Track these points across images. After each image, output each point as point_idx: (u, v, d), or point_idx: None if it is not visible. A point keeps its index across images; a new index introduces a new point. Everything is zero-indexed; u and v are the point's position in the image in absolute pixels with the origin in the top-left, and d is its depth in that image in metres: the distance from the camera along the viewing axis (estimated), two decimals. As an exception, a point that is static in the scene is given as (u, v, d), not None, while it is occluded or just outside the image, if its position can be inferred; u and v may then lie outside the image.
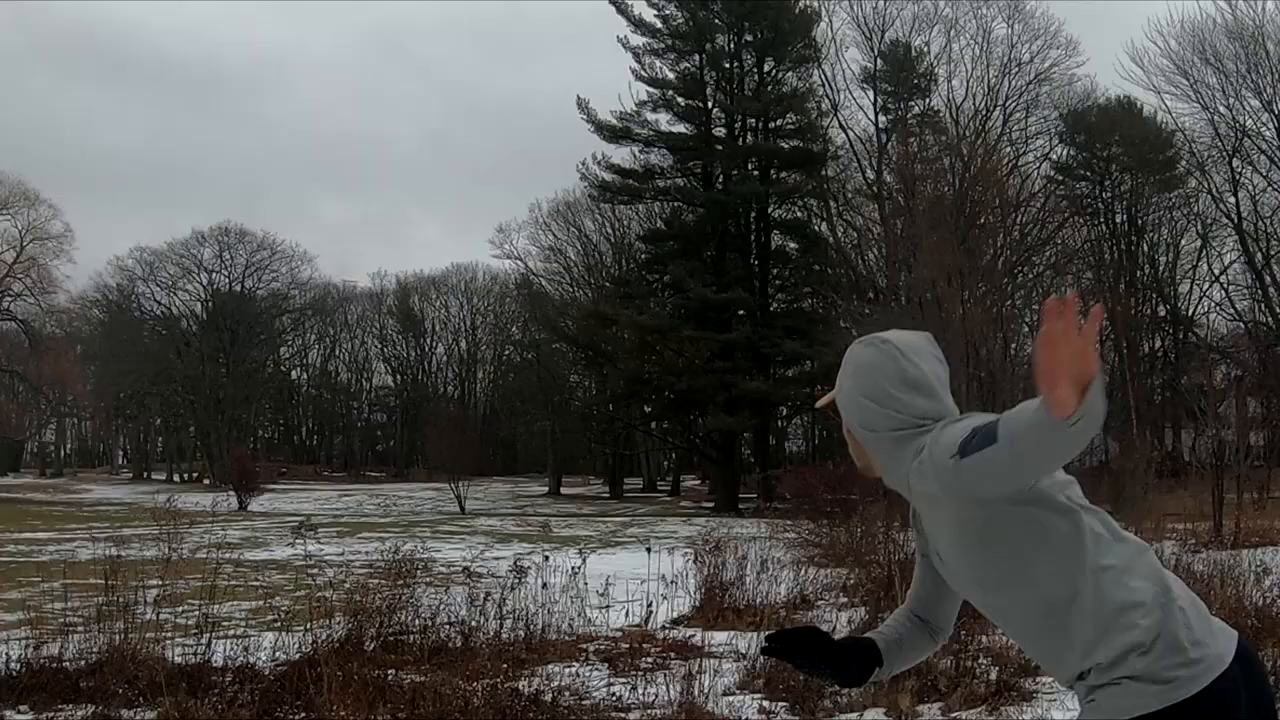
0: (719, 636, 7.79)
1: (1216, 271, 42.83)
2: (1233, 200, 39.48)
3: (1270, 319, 39.68)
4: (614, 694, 6.01)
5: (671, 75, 41.82)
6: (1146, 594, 1.81)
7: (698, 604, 9.02)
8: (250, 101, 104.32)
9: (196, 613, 6.54)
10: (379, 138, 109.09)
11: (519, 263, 55.96)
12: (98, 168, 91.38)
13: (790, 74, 41.83)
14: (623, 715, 5.64)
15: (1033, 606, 1.89)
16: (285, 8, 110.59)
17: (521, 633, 7.23)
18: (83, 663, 5.90)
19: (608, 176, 41.91)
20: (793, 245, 43.62)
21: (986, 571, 1.92)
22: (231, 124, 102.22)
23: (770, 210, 42.45)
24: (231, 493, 32.98)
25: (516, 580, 7.46)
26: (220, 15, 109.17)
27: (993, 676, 6.10)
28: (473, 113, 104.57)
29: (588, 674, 6.43)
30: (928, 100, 42.70)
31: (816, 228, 43.07)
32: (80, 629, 6.29)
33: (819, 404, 2.22)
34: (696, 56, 41.46)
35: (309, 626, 6.32)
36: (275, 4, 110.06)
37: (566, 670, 6.35)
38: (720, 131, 42.08)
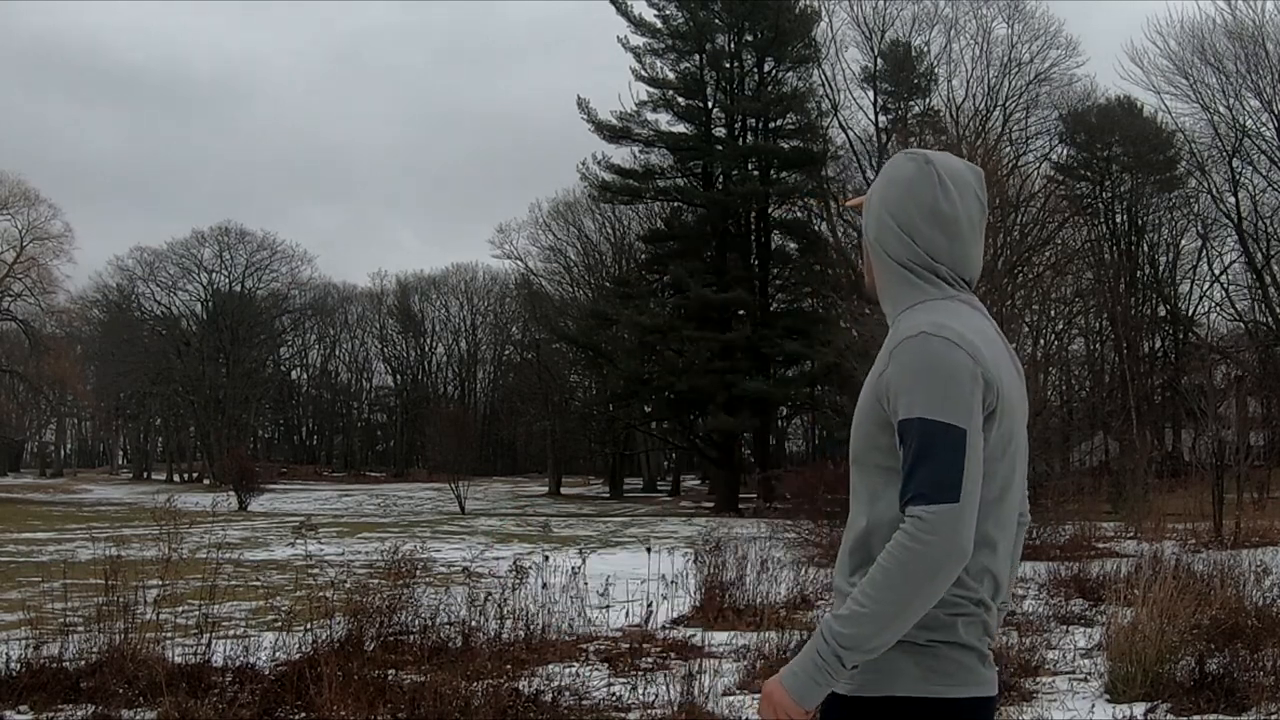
0: (719, 636, 7.79)
1: (1216, 271, 42.93)
2: (1233, 200, 39.52)
3: (1270, 319, 39.69)
4: (614, 694, 6.00)
5: (671, 75, 41.80)
6: None
7: (698, 604, 9.01)
8: (226, 111, 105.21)
9: (196, 613, 6.54)
10: (354, 144, 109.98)
11: (519, 263, 56.08)
12: (69, 177, 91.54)
13: (790, 74, 41.83)
14: (623, 715, 5.64)
15: (853, 517, 1.89)
16: (258, 18, 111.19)
17: (522, 633, 7.23)
18: (83, 663, 5.90)
19: (608, 176, 41.90)
20: (793, 245, 43.61)
21: (852, 453, 1.91)
22: (208, 133, 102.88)
23: (770, 210, 42.43)
24: (231, 493, 32.97)
25: (516, 580, 7.45)
26: (191, 27, 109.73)
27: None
28: (440, 118, 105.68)
29: (588, 674, 6.43)
30: (928, 100, 42.75)
31: (816, 228, 43.05)
32: (80, 629, 6.28)
33: (849, 203, 2.23)
34: (696, 56, 41.44)
35: (309, 626, 6.32)
36: (248, 14, 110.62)
37: (566, 670, 6.35)
38: (720, 131, 42.06)
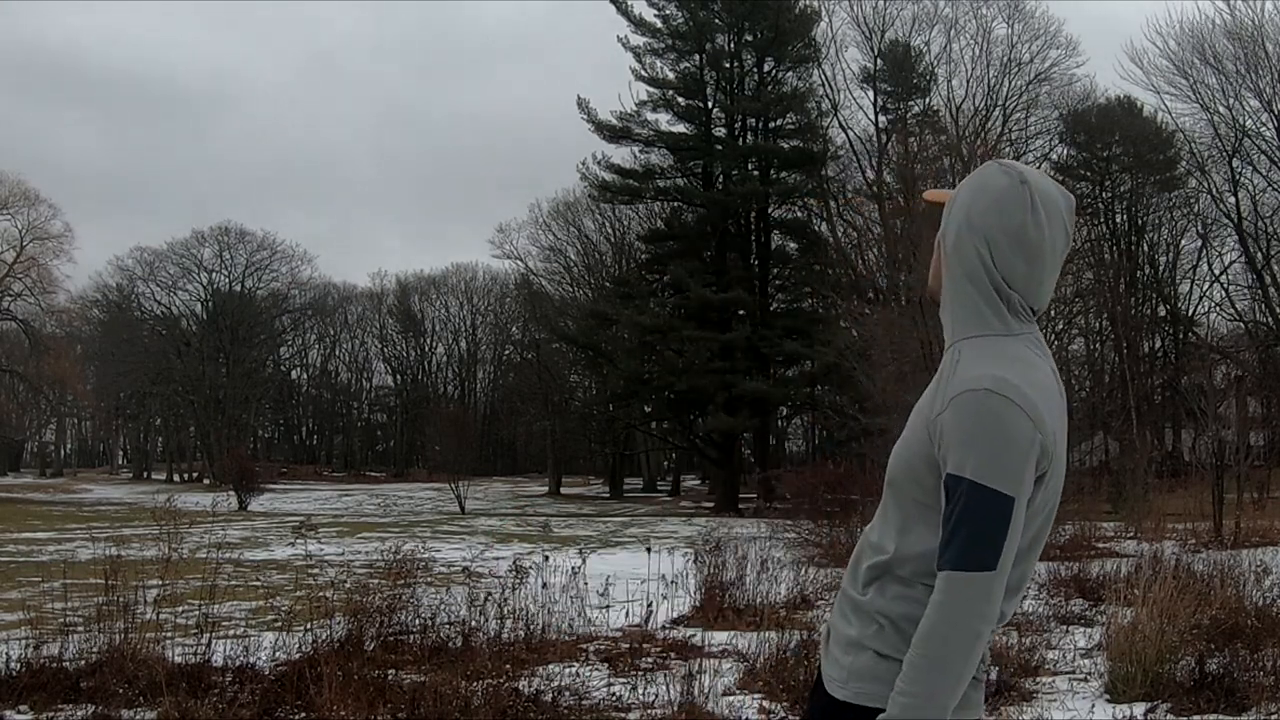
0: (719, 636, 7.79)
1: (1216, 271, 42.93)
2: (1233, 200, 39.52)
3: (1270, 319, 39.69)
4: (614, 694, 6.00)
5: (671, 75, 41.83)
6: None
7: (698, 604, 9.01)
8: (217, 116, 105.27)
9: (196, 613, 6.53)
10: (339, 148, 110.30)
11: (519, 263, 56.10)
12: (58, 180, 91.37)
13: (790, 74, 41.86)
14: (623, 715, 5.64)
15: (878, 537, 1.88)
16: (246, 19, 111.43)
17: (521, 633, 7.23)
18: (83, 663, 5.89)
19: (608, 176, 41.93)
20: (793, 245, 43.63)
21: (890, 475, 1.88)
22: (196, 139, 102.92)
23: (770, 210, 42.45)
24: (231, 493, 32.96)
25: (516, 580, 7.45)
26: (175, 33, 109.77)
27: (993, 676, 6.09)
28: (412, 126, 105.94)
29: (588, 674, 6.43)
30: (928, 100, 42.77)
31: (816, 228, 43.09)
32: (80, 629, 6.28)
33: (928, 195, 2.05)
34: (696, 56, 41.46)
35: (309, 626, 6.31)
36: (237, 15, 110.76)
37: (566, 670, 6.35)
38: (720, 131, 42.08)
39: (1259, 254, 39.66)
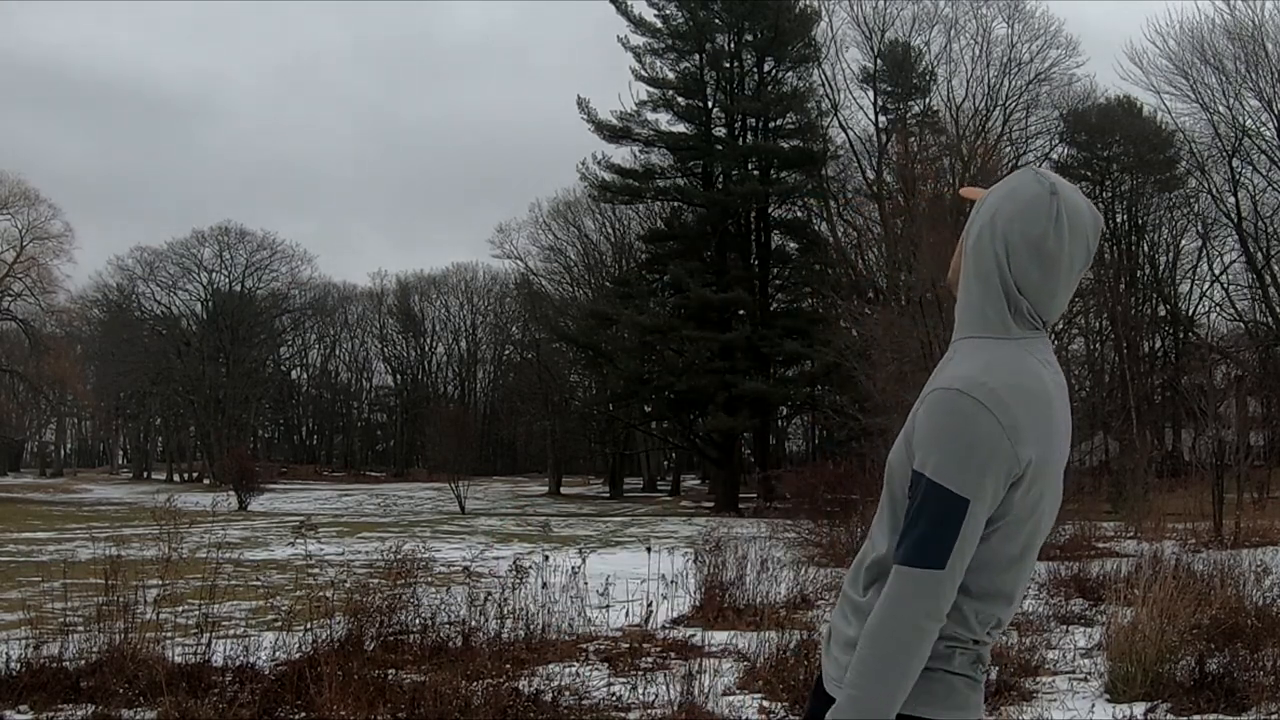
0: (719, 636, 7.79)
1: (1216, 271, 42.96)
2: (1233, 200, 39.53)
3: (1270, 319, 39.70)
4: (614, 694, 6.00)
5: (671, 75, 41.84)
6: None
7: (698, 604, 9.02)
8: (199, 124, 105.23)
9: (196, 613, 6.54)
10: (323, 155, 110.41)
11: (519, 262, 56.10)
12: (46, 186, 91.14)
13: (790, 74, 41.87)
14: (623, 715, 5.64)
15: (876, 536, 1.88)
16: (215, 35, 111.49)
17: (521, 633, 7.23)
18: (83, 663, 5.90)
19: (608, 176, 41.92)
20: (793, 245, 43.63)
21: (888, 473, 1.88)
22: (180, 147, 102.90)
23: (770, 210, 42.45)
24: (231, 492, 32.96)
25: (516, 580, 7.45)
26: (152, 41, 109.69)
27: (993, 676, 6.10)
28: (407, 128, 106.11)
29: (588, 674, 6.43)
30: (928, 100, 42.76)
31: (816, 228, 43.09)
32: (80, 629, 6.29)
33: (964, 191, 2.04)
34: (696, 56, 41.46)
35: (309, 626, 6.31)
36: (207, 29, 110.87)
37: (566, 670, 6.35)
38: (720, 131, 42.08)
39: (1259, 254, 39.67)
